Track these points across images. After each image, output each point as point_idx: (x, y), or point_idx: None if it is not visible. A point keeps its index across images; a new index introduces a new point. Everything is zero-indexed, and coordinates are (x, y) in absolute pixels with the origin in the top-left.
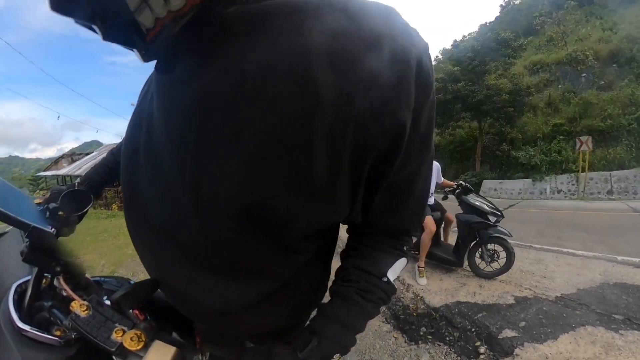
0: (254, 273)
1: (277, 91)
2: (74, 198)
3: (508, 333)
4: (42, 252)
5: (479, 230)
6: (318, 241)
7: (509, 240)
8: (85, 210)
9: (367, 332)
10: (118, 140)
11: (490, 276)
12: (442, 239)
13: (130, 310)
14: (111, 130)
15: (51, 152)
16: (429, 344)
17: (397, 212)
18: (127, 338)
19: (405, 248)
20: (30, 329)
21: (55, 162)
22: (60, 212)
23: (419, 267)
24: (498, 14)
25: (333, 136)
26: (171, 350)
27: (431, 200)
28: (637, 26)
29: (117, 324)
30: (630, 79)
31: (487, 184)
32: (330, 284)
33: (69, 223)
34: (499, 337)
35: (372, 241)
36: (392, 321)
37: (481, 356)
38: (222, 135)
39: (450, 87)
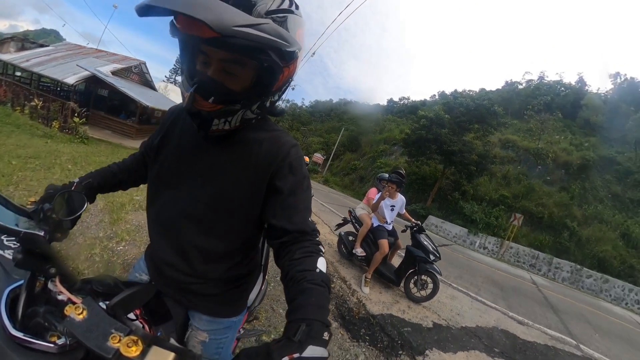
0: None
1: (257, 165)
2: (67, 200)
3: (422, 342)
4: (35, 257)
5: (419, 263)
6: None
7: (438, 277)
8: (78, 214)
9: None
10: (82, 41)
11: (417, 300)
12: (388, 259)
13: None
14: (79, 28)
15: (1, 26)
16: (366, 344)
17: (293, 216)
18: (124, 344)
19: (320, 248)
20: (24, 335)
21: (2, 41)
22: (54, 215)
23: (366, 277)
24: (500, 87)
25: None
26: (169, 356)
27: (389, 227)
28: (593, 153)
29: (113, 330)
30: (570, 191)
31: (432, 220)
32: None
33: (61, 228)
34: (415, 345)
35: (296, 254)
36: (339, 320)
37: (401, 355)
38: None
39: (434, 129)
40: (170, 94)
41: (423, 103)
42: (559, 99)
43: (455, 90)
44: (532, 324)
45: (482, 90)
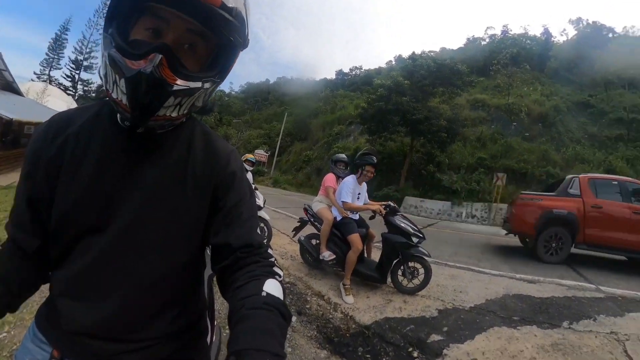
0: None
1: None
2: None
3: (435, 337)
4: None
5: (402, 250)
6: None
7: (428, 260)
8: None
9: None
10: None
11: (412, 292)
12: (365, 254)
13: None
14: None
15: None
16: None
17: (238, 229)
18: None
19: (272, 269)
20: None
21: None
22: None
23: (344, 285)
24: (462, 45)
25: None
26: None
27: (356, 216)
28: (565, 100)
29: None
30: (547, 139)
31: (409, 201)
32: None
33: None
34: (427, 341)
35: (239, 280)
36: (327, 346)
37: (415, 359)
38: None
39: (394, 98)
40: (48, 100)
41: (378, 71)
42: (525, 52)
43: (414, 53)
44: (543, 279)
45: (443, 49)
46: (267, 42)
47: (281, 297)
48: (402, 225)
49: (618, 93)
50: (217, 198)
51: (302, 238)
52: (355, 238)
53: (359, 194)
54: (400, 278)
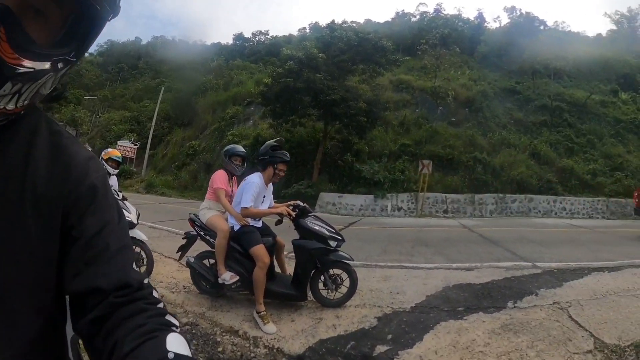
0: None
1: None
2: None
3: (381, 349)
4: None
5: (319, 257)
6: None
7: (350, 264)
8: None
9: None
10: None
11: (339, 303)
12: (277, 269)
13: None
14: None
15: None
16: None
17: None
18: None
19: (166, 320)
20: None
21: None
22: None
23: (258, 312)
24: (390, 19)
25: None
26: None
27: (259, 223)
28: (493, 86)
29: None
30: (474, 124)
31: (325, 198)
32: None
33: None
34: (374, 355)
35: (125, 344)
36: None
37: None
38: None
39: (306, 74)
40: None
41: (288, 40)
42: (457, 34)
43: (333, 22)
44: (480, 265)
45: (368, 21)
46: None
47: (190, 353)
48: (316, 228)
49: (544, 82)
50: (70, 226)
51: (192, 259)
52: (260, 250)
53: (264, 196)
54: (322, 290)
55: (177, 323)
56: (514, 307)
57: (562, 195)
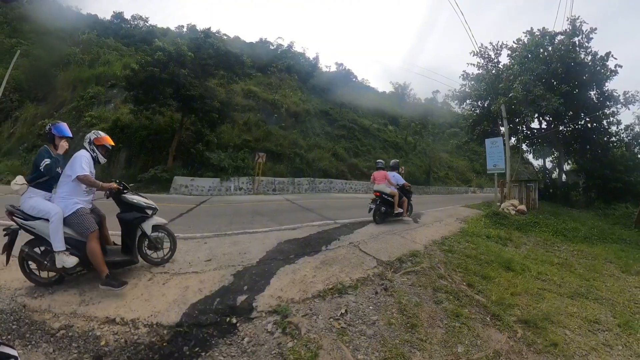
0: None
1: None
2: None
3: (241, 298)
4: None
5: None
6: None
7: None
8: None
9: None
10: None
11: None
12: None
13: None
14: None
15: None
16: (204, 357)
17: None
18: None
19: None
20: None
21: None
22: None
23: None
24: (254, 41)
25: None
26: None
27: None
28: (315, 107)
29: None
30: (298, 130)
31: (179, 181)
32: None
33: None
34: (237, 305)
35: None
36: None
37: (237, 325)
38: None
39: (172, 67)
40: None
41: (165, 32)
42: (299, 66)
43: (209, 29)
44: (301, 225)
45: (237, 38)
46: None
47: None
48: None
49: (346, 111)
50: None
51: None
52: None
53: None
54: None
55: (15, 353)
56: (327, 249)
57: (350, 179)
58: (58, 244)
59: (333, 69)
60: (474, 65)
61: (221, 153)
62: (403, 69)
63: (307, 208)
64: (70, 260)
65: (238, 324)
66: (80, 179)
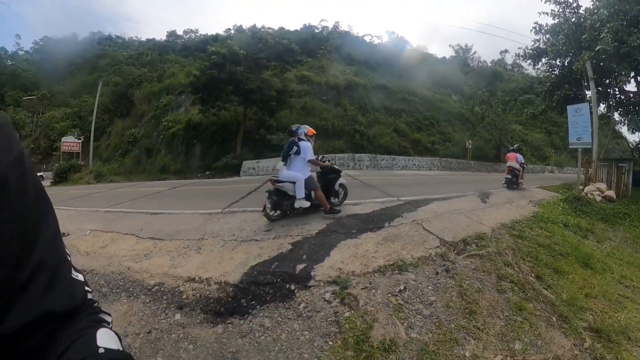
0: None
1: None
2: None
3: (300, 266)
4: None
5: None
6: None
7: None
8: None
9: (207, 349)
10: None
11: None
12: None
13: None
14: None
15: None
16: (258, 310)
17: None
18: None
19: (99, 317)
20: None
21: None
22: None
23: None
24: (298, 29)
25: None
26: None
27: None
28: (372, 81)
29: None
30: (356, 107)
31: (247, 164)
32: None
33: None
34: (296, 273)
35: (57, 347)
36: (218, 319)
37: (295, 291)
38: None
39: (229, 67)
40: None
41: (215, 38)
42: (347, 44)
43: (254, 26)
44: (364, 201)
45: (282, 29)
46: None
47: (121, 347)
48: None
49: (404, 83)
50: None
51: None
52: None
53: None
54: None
55: (109, 319)
56: (389, 226)
57: (413, 156)
58: (300, 194)
59: (385, 39)
60: (547, 14)
61: (281, 134)
62: (463, 29)
63: (369, 184)
64: (306, 203)
65: (295, 291)
66: (311, 161)
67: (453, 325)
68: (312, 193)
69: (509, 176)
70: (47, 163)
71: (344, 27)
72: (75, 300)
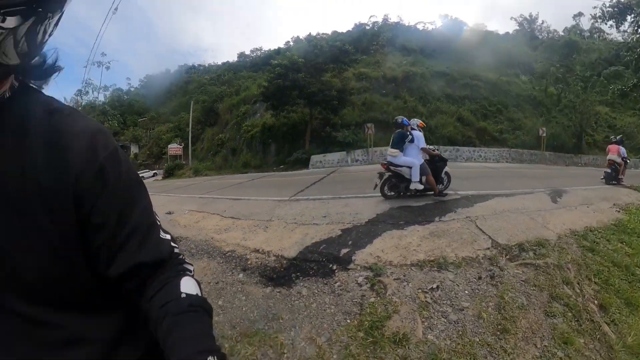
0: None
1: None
2: None
3: (344, 250)
4: None
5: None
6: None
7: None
8: None
9: (255, 302)
10: None
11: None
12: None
13: None
14: None
15: None
16: (301, 280)
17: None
18: None
19: (184, 267)
20: None
21: None
22: None
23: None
24: (350, 29)
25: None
26: None
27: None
28: (430, 69)
29: None
30: (416, 98)
31: (314, 158)
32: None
33: None
34: (340, 255)
35: (150, 290)
36: (270, 283)
37: (335, 271)
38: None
39: (291, 75)
40: None
41: (277, 52)
42: (399, 35)
43: (310, 34)
44: (419, 194)
45: (334, 32)
46: (161, 25)
47: (200, 293)
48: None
49: (465, 67)
50: (87, 214)
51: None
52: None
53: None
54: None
55: (192, 269)
56: (439, 220)
57: (479, 147)
58: (416, 178)
59: (438, 23)
60: None
61: (345, 131)
62: None
63: None
64: (420, 186)
65: (336, 271)
66: (424, 150)
67: (477, 339)
68: (424, 178)
69: (609, 170)
70: (159, 164)
71: (393, 18)
72: (162, 254)
